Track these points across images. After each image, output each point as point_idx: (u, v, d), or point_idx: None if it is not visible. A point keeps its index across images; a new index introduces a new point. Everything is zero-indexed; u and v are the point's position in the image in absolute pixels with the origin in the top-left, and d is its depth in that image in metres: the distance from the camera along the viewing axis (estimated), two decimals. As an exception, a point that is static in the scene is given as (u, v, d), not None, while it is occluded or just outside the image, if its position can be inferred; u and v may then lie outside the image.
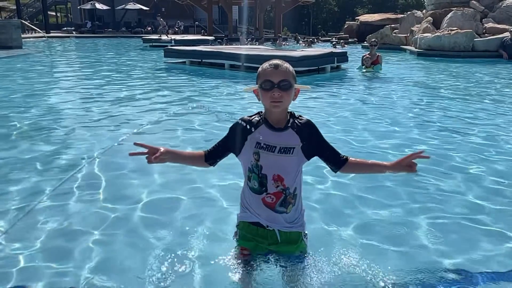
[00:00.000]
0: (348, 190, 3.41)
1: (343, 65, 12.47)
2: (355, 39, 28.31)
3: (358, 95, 8.29)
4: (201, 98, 7.83)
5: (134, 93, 8.17)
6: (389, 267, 2.30)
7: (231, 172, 3.38)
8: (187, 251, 2.45)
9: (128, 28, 39.39)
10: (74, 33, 35.68)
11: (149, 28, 36.55)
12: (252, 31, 33.80)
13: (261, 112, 2.05)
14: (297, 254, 2.16)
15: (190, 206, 3.12)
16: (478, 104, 7.22)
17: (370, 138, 4.95)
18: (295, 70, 2.00)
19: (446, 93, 8.49)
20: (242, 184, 2.15)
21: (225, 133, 2.11)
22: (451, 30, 16.59)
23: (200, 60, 12.96)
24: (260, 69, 1.97)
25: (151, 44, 22.98)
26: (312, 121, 2.06)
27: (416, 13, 22.45)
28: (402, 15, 24.67)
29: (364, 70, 11.48)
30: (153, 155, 1.95)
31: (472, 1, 18.68)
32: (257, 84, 1.97)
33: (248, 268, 2.11)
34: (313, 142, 2.02)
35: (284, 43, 25.74)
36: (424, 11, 21.81)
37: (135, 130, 5.19)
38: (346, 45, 22.74)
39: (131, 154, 2.00)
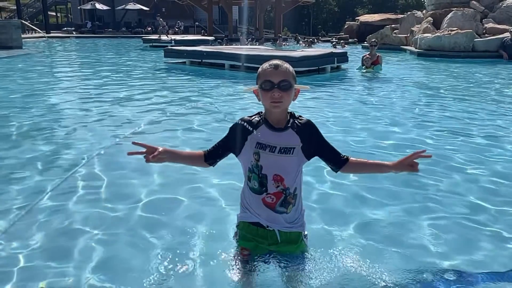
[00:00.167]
0: (348, 190, 3.41)
1: (343, 66, 12.47)
2: (355, 39, 28.31)
3: (358, 95, 8.29)
4: (201, 98, 7.83)
5: (134, 93, 8.17)
6: (389, 267, 2.30)
7: (231, 172, 3.38)
8: (187, 251, 2.45)
9: (128, 28, 39.40)
10: (74, 33, 35.71)
11: (149, 28, 36.55)
12: (252, 31, 33.82)
13: (261, 112, 2.05)
14: (297, 254, 2.15)
15: (190, 206, 3.12)
16: (478, 104, 7.22)
17: (370, 138, 4.95)
18: (295, 70, 1.99)
19: (446, 93, 8.49)
20: (242, 184, 2.15)
21: (225, 133, 2.11)
22: (451, 31, 16.59)
23: (200, 60, 12.96)
24: (260, 69, 1.97)
25: (151, 44, 22.99)
26: (312, 121, 2.06)
27: (416, 13, 22.45)
28: (402, 15, 24.68)
29: (364, 71, 11.48)
30: (151, 154, 1.95)
31: (472, 1, 18.68)
32: (257, 84, 1.97)
33: (248, 268, 2.11)
34: (313, 142, 2.02)
35: (284, 43, 25.72)
36: (424, 11, 21.82)
37: (135, 130, 5.19)
38: (346, 45, 22.73)
39: (129, 154, 2.01)
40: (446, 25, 17.57)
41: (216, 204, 3.17)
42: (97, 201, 3.19)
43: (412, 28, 20.11)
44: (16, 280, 2.22)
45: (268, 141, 1.97)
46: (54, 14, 48.68)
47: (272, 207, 2.02)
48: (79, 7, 41.82)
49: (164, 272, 2.24)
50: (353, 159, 2.09)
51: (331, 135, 4.85)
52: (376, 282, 2.16)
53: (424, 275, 2.27)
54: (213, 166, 2.16)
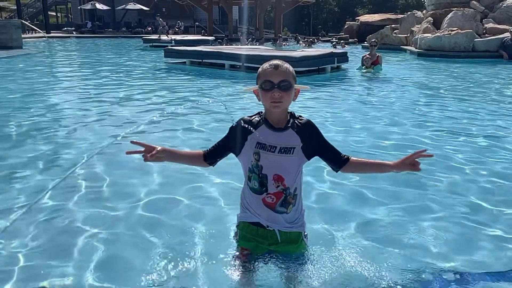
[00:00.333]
0: (348, 190, 3.41)
1: (343, 66, 12.47)
2: (355, 39, 28.31)
3: (357, 95, 8.29)
4: (201, 98, 7.83)
5: (134, 93, 8.17)
6: (389, 267, 2.30)
7: (231, 172, 3.38)
8: (187, 251, 2.45)
9: (128, 28, 39.40)
10: (74, 33, 35.70)
11: (149, 28, 36.56)
12: (252, 31, 33.82)
13: (261, 112, 2.05)
14: (297, 254, 2.16)
15: (190, 205, 3.12)
16: (478, 104, 7.21)
17: (369, 138, 4.95)
18: (295, 70, 2.00)
19: (446, 93, 8.49)
20: (241, 184, 2.15)
21: (224, 134, 2.11)
22: (451, 31, 16.59)
23: (200, 60, 12.96)
24: (260, 69, 1.97)
25: (151, 44, 22.98)
26: (312, 121, 2.06)
27: (416, 13, 22.44)
28: (402, 16, 24.67)
29: (364, 71, 11.48)
30: (149, 153, 1.95)
31: (472, 2, 18.68)
32: (257, 84, 1.97)
33: (248, 268, 2.11)
34: (313, 142, 2.02)
35: (284, 43, 25.71)
36: (424, 11, 21.82)
37: (134, 130, 5.18)
38: (346, 46, 22.73)
39: (128, 153, 2.01)
40: (446, 25, 17.57)
41: (216, 204, 3.17)
42: (97, 200, 3.19)
43: (412, 28, 20.11)
44: (16, 279, 2.22)
45: (268, 141, 1.97)
46: (54, 14, 48.68)
47: (272, 207, 2.02)
48: (79, 7, 41.83)
49: (164, 272, 2.24)
50: (354, 158, 2.08)
51: (331, 135, 4.85)
52: (376, 282, 2.16)
53: (424, 275, 2.27)
54: (213, 165, 2.16)
